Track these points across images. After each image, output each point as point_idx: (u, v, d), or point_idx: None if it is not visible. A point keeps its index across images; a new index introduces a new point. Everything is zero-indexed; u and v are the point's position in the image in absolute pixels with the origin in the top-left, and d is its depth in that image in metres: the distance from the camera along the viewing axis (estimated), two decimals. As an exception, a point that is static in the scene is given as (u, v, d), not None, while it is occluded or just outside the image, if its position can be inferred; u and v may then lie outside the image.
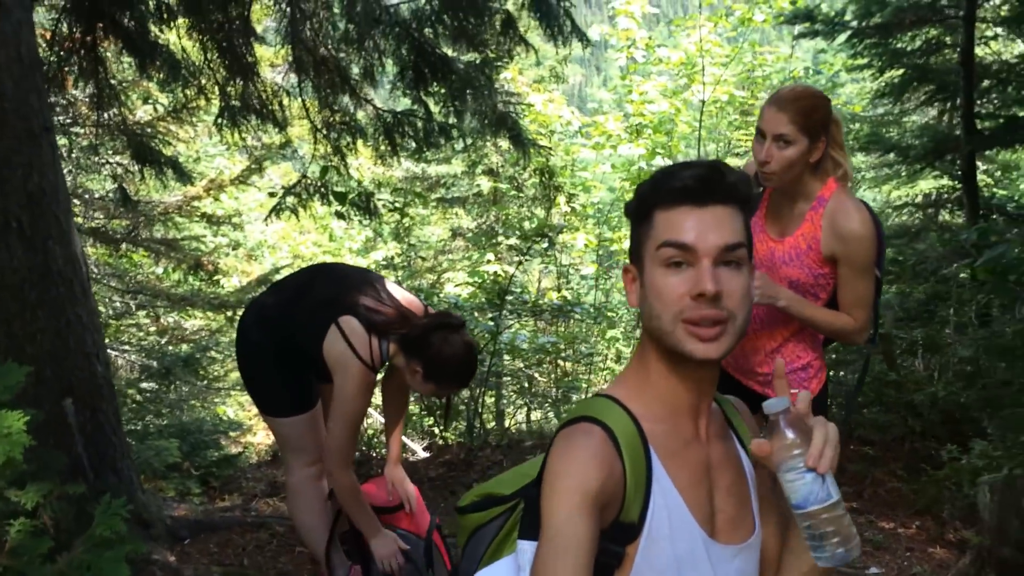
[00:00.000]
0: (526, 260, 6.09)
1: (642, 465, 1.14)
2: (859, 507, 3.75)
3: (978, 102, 5.14)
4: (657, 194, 1.18)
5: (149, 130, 6.26)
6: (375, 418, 5.71)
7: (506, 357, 5.70)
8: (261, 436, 6.95)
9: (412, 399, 5.85)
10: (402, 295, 2.83)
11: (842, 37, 5.36)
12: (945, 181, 6.14)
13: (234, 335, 3.16)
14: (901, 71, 5.57)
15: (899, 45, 5.53)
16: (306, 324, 2.74)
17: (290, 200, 5.54)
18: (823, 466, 1.07)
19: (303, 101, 5.40)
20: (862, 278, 2.26)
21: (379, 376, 2.90)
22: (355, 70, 5.41)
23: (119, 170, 6.39)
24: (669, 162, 8.93)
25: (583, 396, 6.60)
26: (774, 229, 2.37)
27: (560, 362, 7.02)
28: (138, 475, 3.59)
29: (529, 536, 1.15)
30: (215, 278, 7.35)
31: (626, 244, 9.01)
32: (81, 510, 2.02)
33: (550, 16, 4.41)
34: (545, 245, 5.87)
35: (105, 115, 5.48)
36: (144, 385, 6.20)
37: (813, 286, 2.31)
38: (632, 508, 1.13)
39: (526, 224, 10.24)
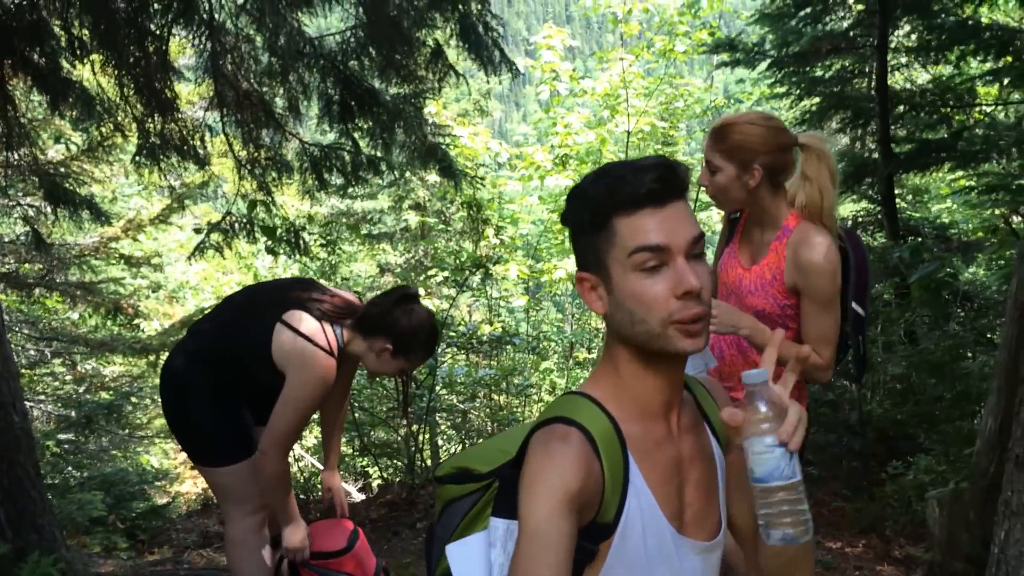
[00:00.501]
0: (461, 292, 6.03)
1: (619, 466, 1.16)
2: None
3: (893, 127, 5.33)
4: (616, 201, 1.16)
5: (63, 169, 6.03)
6: (307, 460, 5.54)
7: (443, 392, 5.61)
8: (188, 485, 6.68)
9: (344, 440, 5.71)
10: (336, 289, 2.79)
11: (762, 66, 5.52)
12: (864, 204, 6.34)
13: (156, 381, 3.03)
14: (818, 99, 5.76)
15: (817, 73, 5.72)
16: (249, 336, 2.63)
17: (215, 238, 5.37)
18: (794, 443, 1.08)
19: (226, 136, 5.25)
20: (824, 312, 2.22)
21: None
22: (279, 104, 5.30)
23: (31, 212, 6.12)
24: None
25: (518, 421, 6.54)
26: (745, 256, 2.34)
27: (495, 396, 6.96)
28: (61, 531, 3.37)
29: (502, 514, 1.19)
30: (135, 322, 7.08)
31: (557, 274, 9.12)
32: (5, 570, 1.87)
33: (479, 46, 4.39)
34: (479, 276, 5.82)
35: (15, 155, 5.24)
36: (62, 436, 5.89)
37: (780, 316, 2.28)
38: (609, 509, 1.14)
39: (453, 259, 10.23)
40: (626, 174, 1.15)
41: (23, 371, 6.70)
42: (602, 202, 1.16)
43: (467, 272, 5.57)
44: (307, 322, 2.59)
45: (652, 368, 1.20)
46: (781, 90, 5.97)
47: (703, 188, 2.32)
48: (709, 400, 1.35)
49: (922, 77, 6.22)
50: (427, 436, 5.45)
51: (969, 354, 4.04)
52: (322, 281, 2.89)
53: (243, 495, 2.78)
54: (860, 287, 2.32)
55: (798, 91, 5.81)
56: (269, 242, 5.07)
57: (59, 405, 6.87)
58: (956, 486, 2.50)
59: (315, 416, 3.01)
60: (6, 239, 6.55)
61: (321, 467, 3.17)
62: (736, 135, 2.20)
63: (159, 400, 6.87)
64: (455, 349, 5.55)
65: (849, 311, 2.33)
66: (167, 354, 6.31)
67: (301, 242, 5.41)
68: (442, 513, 1.35)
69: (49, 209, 5.67)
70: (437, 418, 5.64)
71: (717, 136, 2.22)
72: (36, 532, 3.16)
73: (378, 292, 11.03)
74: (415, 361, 2.74)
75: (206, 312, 2.95)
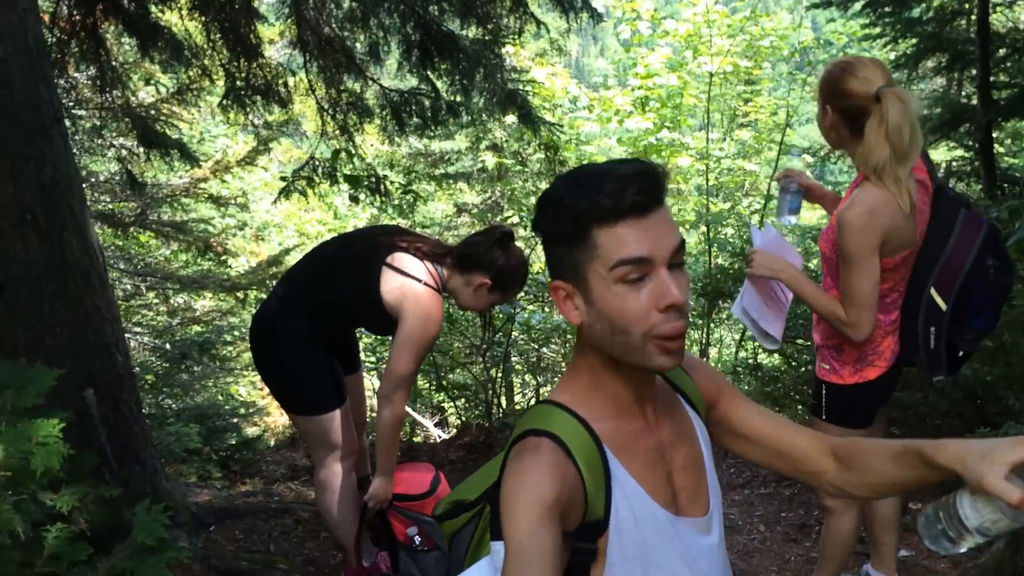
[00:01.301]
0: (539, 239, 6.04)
1: (598, 464, 1.16)
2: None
3: (993, 71, 5.08)
4: (597, 213, 1.11)
5: (153, 112, 6.21)
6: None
7: (520, 337, 5.69)
8: (276, 417, 6.97)
9: (421, 378, 5.85)
10: (419, 231, 2.93)
11: (857, 6, 5.29)
12: (960, 152, 6.07)
13: (244, 316, 3.19)
14: (915, 40, 5.50)
15: (913, 14, 5.45)
16: (353, 281, 2.76)
17: (298, 182, 5.50)
18: None
19: (308, 81, 5.33)
20: (849, 271, 2.24)
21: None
22: (360, 48, 5.34)
23: (124, 153, 6.35)
24: (676, 136, 8.86)
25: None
26: None
27: (571, 337, 7.01)
28: (161, 463, 3.58)
29: (499, 537, 1.16)
30: (223, 259, 7.32)
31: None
32: (115, 510, 2.01)
33: (560, -10, 4.34)
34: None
35: (108, 98, 5.41)
36: (158, 367, 6.20)
37: (835, 261, 2.32)
38: (596, 507, 1.15)
39: (531, 199, 10.21)
40: (605, 184, 1.11)
41: (120, 303, 7.03)
42: (581, 213, 1.12)
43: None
44: (411, 262, 2.72)
45: (621, 372, 1.20)
46: (875, 31, 5.72)
47: None
48: (685, 378, 1.35)
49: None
50: (503, 379, 5.55)
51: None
52: (402, 223, 3.02)
53: (333, 441, 2.91)
54: (947, 275, 2.27)
55: (893, 32, 5.56)
56: (353, 190, 5.16)
57: (154, 337, 7.21)
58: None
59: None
60: (102, 178, 6.81)
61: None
62: (824, 77, 2.32)
63: (247, 335, 7.15)
64: (531, 296, 5.60)
65: (925, 296, 2.29)
66: (255, 291, 6.53)
67: (383, 187, 5.49)
68: (450, 549, 1.37)
69: (141, 150, 5.86)
70: (513, 362, 5.73)
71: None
72: (139, 465, 3.36)
73: (456, 232, 11.09)
74: (508, 296, 2.88)
75: (297, 261, 3.05)
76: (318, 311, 2.83)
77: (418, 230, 10.79)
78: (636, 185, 1.10)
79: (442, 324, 2.81)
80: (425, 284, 2.70)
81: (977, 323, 2.33)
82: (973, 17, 5.17)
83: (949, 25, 5.47)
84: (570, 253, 1.15)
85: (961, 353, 2.38)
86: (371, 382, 5.96)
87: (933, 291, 2.28)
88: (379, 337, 5.35)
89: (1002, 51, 5.13)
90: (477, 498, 1.30)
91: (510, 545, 1.07)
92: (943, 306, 2.28)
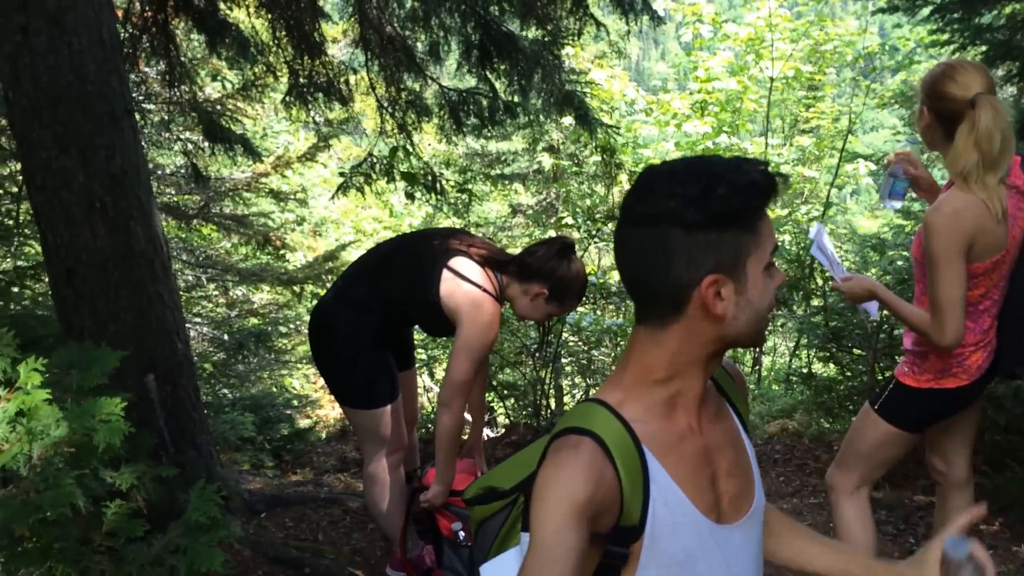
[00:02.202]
0: (592, 243, 6.05)
1: (637, 467, 1.13)
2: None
3: (1067, 79, 4.92)
4: (764, 198, 1.11)
5: (219, 107, 6.36)
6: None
7: (571, 339, 5.69)
8: (328, 410, 7.08)
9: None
10: (480, 237, 2.95)
11: (924, 12, 5.17)
12: (1029, 161, 5.88)
13: (300, 309, 3.25)
14: (984, 48, 5.35)
15: (984, 20, 5.30)
16: (413, 282, 2.80)
17: (356, 179, 5.58)
18: None
19: (370, 80, 5.41)
20: (932, 272, 2.23)
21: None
22: (420, 48, 5.40)
23: (190, 147, 6.51)
24: (735, 141, 8.77)
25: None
26: None
27: (621, 342, 6.99)
28: (216, 449, 3.67)
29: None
30: (282, 253, 7.46)
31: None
32: (170, 490, 2.07)
33: (621, -8, 4.33)
34: (612, 228, 5.82)
35: (176, 92, 5.55)
36: (216, 357, 6.34)
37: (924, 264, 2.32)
38: (632, 511, 1.13)
39: (587, 201, 10.20)
40: (753, 172, 1.10)
41: (181, 294, 7.21)
42: (754, 201, 1.10)
43: (600, 223, 5.57)
44: (471, 268, 2.75)
45: (707, 366, 1.19)
46: (943, 38, 5.58)
47: None
48: (730, 382, 1.35)
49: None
50: (552, 381, 5.55)
51: None
52: (456, 222, 3.04)
53: (383, 435, 2.95)
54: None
55: (961, 39, 5.41)
56: (409, 187, 5.21)
57: (213, 327, 7.38)
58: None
59: None
60: (168, 171, 6.99)
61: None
62: (927, 77, 2.32)
63: (303, 329, 7.24)
64: (585, 298, 5.59)
65: None
66: (311, 286, 6.63)
67: (439, 185, 5.54)
68: (477, 535, 1.35)
69: (207, 145, 6.01)
70: (563, 363, 5.73)
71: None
72: (195, 449, 3.45)
73: (510, 232, 11.11)
74: (566, 307, 2.88)
75: (356, 259, 3.09)
76: (376, 307, 2.87)
77: (477, 233, 10.90)
78: (766, 172, 1.12)
79: (497, 331, 2.79)
80: (484, 290, 2.72)
81: None
82: (1047, 24, 5.02)
83: (1020, 32, 5.30)
84: (738, 239, 1.11)
85: None
86: (421, 380, 6.02)
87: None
88: (430, 337, 5.41)
89: (1077, 59, 4.97)
90: (513, 487, 1.28)
91: (535, 540, 1.07)
92: None
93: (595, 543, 1.11)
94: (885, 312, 4.63)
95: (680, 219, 1.09)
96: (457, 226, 10.63)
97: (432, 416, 5.26)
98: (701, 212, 1.08)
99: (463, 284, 2.72)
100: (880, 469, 2.63)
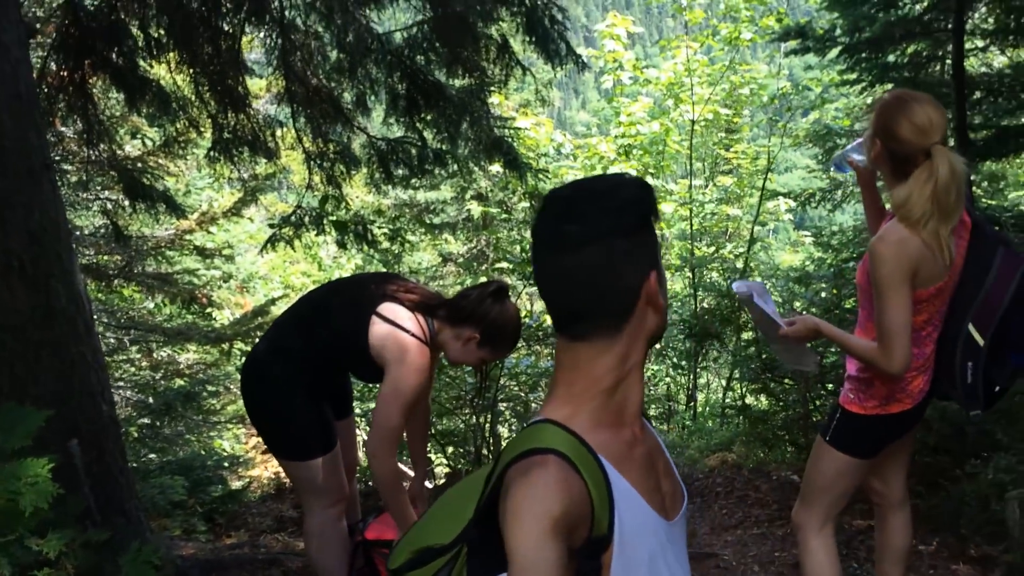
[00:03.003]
0: (527, 286, 6.06)
1: (600, 478, 1.15)
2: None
3: (969, 113, 5.18)
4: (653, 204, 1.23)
5: (139, 164, 6.23)
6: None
7: (509, 383, 5.66)
8: (261, 470, 6.87)
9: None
10: (414, 282, 2.91)
11: (833, 52, 5.41)
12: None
13: (229, 368, 3.16)
14: (891, 85, 5.63)
15: (889, 59, 5.57)
16: (343, 329, 2.74)
17: (285, 231, 5.50)
18: None
19: (296, 132, 5.37)
20: (880, 300, 2.27)
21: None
22: (347, 99, 5.39)
23: (109, 206, 6.34)
24: (659, 183, 8.97)
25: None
26: None
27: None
28: (146, 516, 3.51)
29: None
30: (208, 311, 7.28)
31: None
32: (99, 558, 1.97)
33: (546, 39, 4.40)
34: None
35: (95, 151, 5.42)
36: (141, 421, 6.11)
37: (870, 292, 2.35)
38: (601, 521, 1.14)
39: (516, 247, 10.26)
40: (634, 181, 1.22)
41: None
42: (650, 191, 1.21)
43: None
44: (401, 313, 2.70)
45: (643, 371, 1.26)
46: (852, 76, 5.84)
47: None
48: None
49: (1000, 61, 6.03)
50: (490, 427, 5.50)
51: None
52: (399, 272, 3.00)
53: (323, 488, 2.87)
54: (985, 313, 2.30)
55: (870, 77, 5.68)
56: (340, 236, 5.16)
57: (137, 391, 7.13)
58: (1037, 486, 2.47)
59: None
60: (87, 232, 6.79)
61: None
62: (884, 108, 2.30)
63: (232, 388, 7.03)
64: (521, 340, 5.58)
65: (963, 332, 2.32)
66: (240, 343, 6.47)
67: (369, 235, 5.50)
68: None
69: (127, 203, 5.86)
70: (502, 407, 5.69)
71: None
72: (123, 516, 3.30)
73: (442, 281, 11.07)
74: (498, 353, 2.85)
75: (287, 308, 3.03)
76: (307, 356, 2.82)
77: (410, 278, 10.84)
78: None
79: (426, 376, 2.75)
80: (412, 335, 2.68)
81: (1016, 358, 2.35)
82: (948, 62, 5.29)
83: (924, 70, 5.59)
84: (647, 241, 1.21)
85: (998, 388, 2.39)
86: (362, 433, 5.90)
87: (971, 327, 2.30)
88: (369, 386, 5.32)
89: (977, 94, 5.24)
90: (453, 541, 1.24)
91: (515, 560, 1.06)
92: (980, 342, 2.30)
93: (569, 560, 1.09)
94: (820, 350, 4.75)
95: (622, 229, 1.16)
96: (395, 273, 10.56)
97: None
98: (636, 216, 1.18)
99: (393, 330, 2.67)
100: (842, 500, 2.65)
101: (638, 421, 1.27)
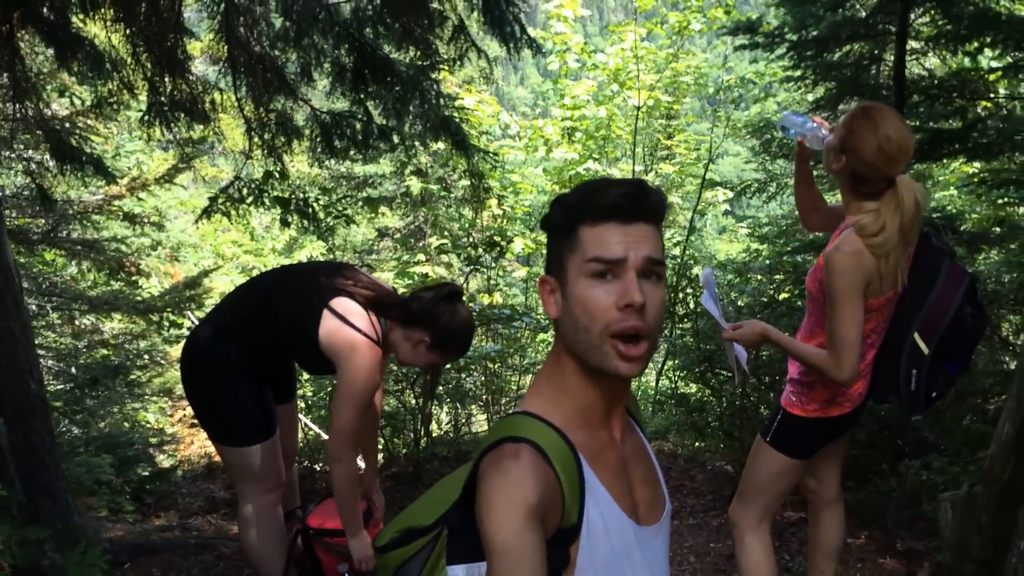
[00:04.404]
0: (473, 272, 6.01)
1: (574, 471, 1.18)
2: (808, 518, 3.83)
3: (907, 116, 5.31)
4: (585, 210, 1.20)
5: (68, 125, 5.95)
6: (315, 430, 5.55)
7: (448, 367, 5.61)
8: (193, 446, 6.70)
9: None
10: (369, 275, 2.83)
11: (781, 50, 5.47)
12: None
13: (157, 339, 3.07)
14: (833, 84, 5.72)
15: (834, 58, 5.67)
16: (293, 320, 2.67)
17: (222, 202, 5.33)
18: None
19: (237, 100, 5.18)
20: (832, 309, 2.31)
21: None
22: (292, 69, 5.23)
23: (34, 167, 6.04)
24: (601, 168, 8.99)
25: (511, 396, 6.55)
26: None
27: (490, 364, 6.96)
28: (73, 497, 3.38)
29: (459, 560, 1.18)
30: (136, 280, 7.03)
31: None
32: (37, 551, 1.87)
33: (502, 22, 4.33)
34: (492, 256, 5.80)
35: (20, 108, 5.15)
36: (61, 389, 5.88)
37: (820, 299, 2.39)
38: (571, 513, 1.16)
39: (455, 224, 10.18)
40: (602, 187, 1.21)
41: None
42: (573, 208, 1.22)
43: (480, 251, 5.55)
44: (353, 309, 2.63)
45: (596, 380, 1.23)
46: (796, 73, 5.93)
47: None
48: (634, 403, 1.45)
49: (937, 65, 6.18)
50: (429, 410, 5.46)
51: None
52: (326, 249, 2.94)
53: (262, 474, 2.80)
54: (930, 323, 2.35)
55: (813, 76, 5.77)
56: (283, 213, 5.03)
57: (58, 360, 6.86)
58: (970, 489, 2.55)
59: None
60: (8, 192, 6.47)
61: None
62: (856, 123, 2.30)
63: (159, 359, 6.81)
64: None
65: (908, 340, 2.37)
66: (169, 314, 6.25)
67: (311, 210, 5.37)
68: None
69: (53, 164, 5.60)
70: (440, 390, 5.65)
71: (852, 111, 2.36)
72: (50, 498, 3.17)
73: (378, 255, 10.89)
74: (448, 357, 2.80)
75: (233, 291, 2.93)
76: (252, 342, 2.74)
77: (355, 262, 10.65)
78: (621, 190, 1.19)
79: (377, 375, 2.70)
80: (364, 335, 2.62)
81: (951, 368, 2.41)
82: (889, 64, 5.41)
83: (866, 71, 5.70)
84: (558, 246, 1.24)
85: (934, 394, 2.45)
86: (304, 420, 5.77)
87: (917, 336, 2.35)
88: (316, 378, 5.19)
89: (916, 97, 5.37)
90: (434, 522, 1.27)
91: (494, 547, 1.06)
92: (925, 350, 2.35)
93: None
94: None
95: (548, 227, 1.27)
96: (327, 254, 10.37)
97: (308, 451, 5.05)
98: (541, 225, 1.30)
99: (343, 327, 2.61)
100: (780, 499, 2.72)
101: (613, 425, 1.29)
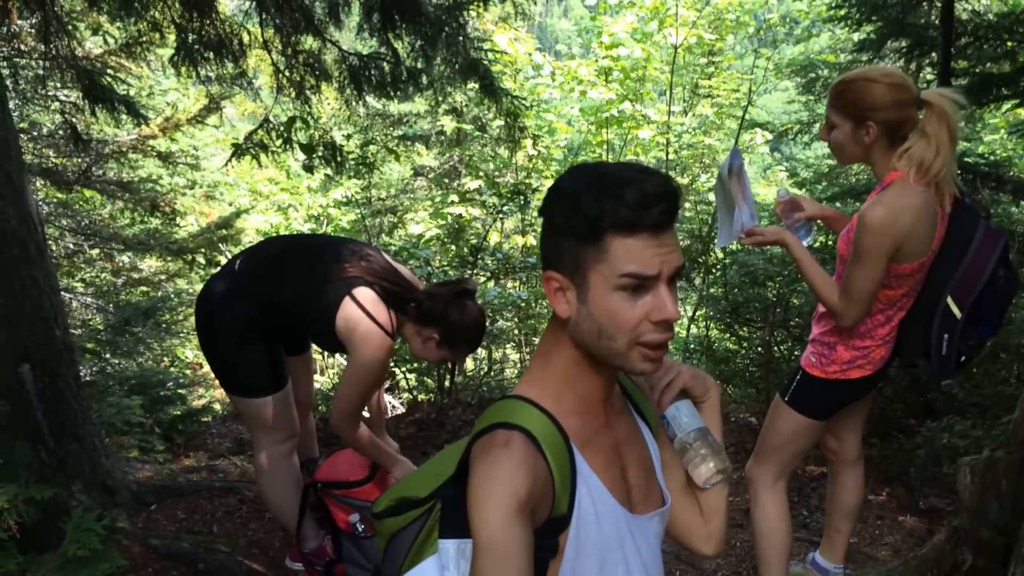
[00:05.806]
0: (497, 219, 5.97)
1: (565, 459, 1.17)
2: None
3: (954, 58, 5.08)
4: (616, 217, 1.11)
5: (99, 65, 5.96)
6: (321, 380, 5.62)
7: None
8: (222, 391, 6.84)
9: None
10: (392, 262, 2.85)
11: (829, -15, 5.25)
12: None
13: (192, 277, 3.12)
14: (879, 24, 5.49)
15: (879, -1, 5.43)
16: (311, 297, 2.71)
17: (250, 147, 5.32)
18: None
19: (264, 42, 5.14)
20: (855, 264, 2.28)
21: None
22: (319, 9, 5.16)
23: (68, 107, 6.08)
24: (638, 107, 8.79)
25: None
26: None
27: (524, 311, 6.95)
28: (101, 439, 3.47)
29: (451, 535, 1.17)
30: (171, 219, 7.11)
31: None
32: (51, 504, 1.92)
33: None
34: (518, 204, 5.74)
35: (52, 47, 5.16)
36: (98, 328, 6.01)
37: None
38: (561, 502, 1.16)
39: (490, 164, 10.09)
40: (629, 195, 1.10)
41: (62, 261, 6.79)
42: (601, 217, 1.11)
43: (506, 200, 5.49)
44: (374, 302, 2.67)
45: (597, 370, 1.22)
46: (841, 12, 5.70)
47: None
48: (634, 387, 1.41)
49: (993, 2, 5.90)
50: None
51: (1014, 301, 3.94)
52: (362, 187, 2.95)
53: (276, 424, 2.85)
54: (965, 285, 2.31)
55: (858, 15, 5.54)
56: (307, 159, 5.01)
57: (97, 296, 7.00)
58: (991, 454, 2.50)
59: None
60: (44, 131, 6.53)
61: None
62: (852, 92, 2.27)
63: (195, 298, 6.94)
64: (487, 274, 5.52)
65: (941, 304, 2.33)
66: (202, 253, 6.31)
67: (338, 156, 5.35)
68: (386, 551, 1.33)
69: (86, 105, 5.63)
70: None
71: (834, 93, 2.32)
72: (77, 442, 3.26)
73: (413, 194, 10.84)
74: (457, 354, 2.82)
75: (249, 251, 2.93)
76: (267, 308, 2.77)
77: (380, 200, 10.62)
78: (663, 205, 1.11)
79: (387, 367, 2.78)
80: (380, 327, 2.66)
81: (982, 331, 2.39)
82: (937, 4, 5.16)
83: (913, 11, 5.46)
84: (577, 250, 1.15)
85: (963, 358, 2.42)
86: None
87: (950, 300, 2.32)
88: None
89: (964, 39, 5.13)
90: (429, 495, 1.27)
91: (481, 541, 1.06)
92: (958, 315, 2.32)
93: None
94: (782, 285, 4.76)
95: (548, 218, 1.19)
96: (361, 192, 10.36)
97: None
98: (543, 214, 1.20)
99: (362, 318, 2.65)
100: (796, 459, 2.71)
101: (607, 408, 1.28)
